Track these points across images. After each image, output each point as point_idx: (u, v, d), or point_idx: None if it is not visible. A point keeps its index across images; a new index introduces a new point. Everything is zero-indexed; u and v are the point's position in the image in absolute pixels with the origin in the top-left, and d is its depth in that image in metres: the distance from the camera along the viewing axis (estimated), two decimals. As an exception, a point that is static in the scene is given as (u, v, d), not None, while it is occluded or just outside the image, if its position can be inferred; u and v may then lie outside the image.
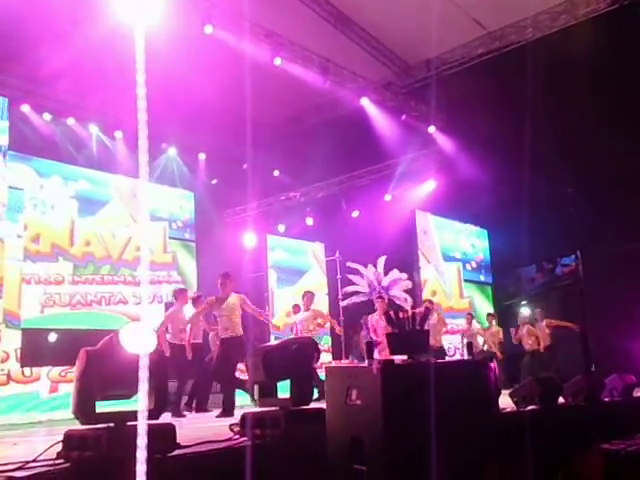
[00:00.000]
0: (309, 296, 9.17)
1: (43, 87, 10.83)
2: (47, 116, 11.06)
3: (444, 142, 12.52)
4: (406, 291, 11.36)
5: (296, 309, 9.75)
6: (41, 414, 8.11)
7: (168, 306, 10.83)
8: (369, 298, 10.91)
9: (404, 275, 11.53)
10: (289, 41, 10.42)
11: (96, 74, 11.41)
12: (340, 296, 12.17)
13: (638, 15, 9.31)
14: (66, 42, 11.42)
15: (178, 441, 2.99)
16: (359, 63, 11.57)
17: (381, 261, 11.65)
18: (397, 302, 10.91)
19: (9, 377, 8.25)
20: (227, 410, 6.58)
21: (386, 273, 11.59)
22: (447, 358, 10.01)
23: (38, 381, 8.55)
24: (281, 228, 14.12)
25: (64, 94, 11.12)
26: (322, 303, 12.00)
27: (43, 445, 3.00)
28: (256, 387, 3.93)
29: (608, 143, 9.69)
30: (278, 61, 10.13)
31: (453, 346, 11.52)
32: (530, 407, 5.22)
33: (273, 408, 3.64)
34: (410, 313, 2.90)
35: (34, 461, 2.78)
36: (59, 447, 2.88)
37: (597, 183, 10.59)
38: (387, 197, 13.07)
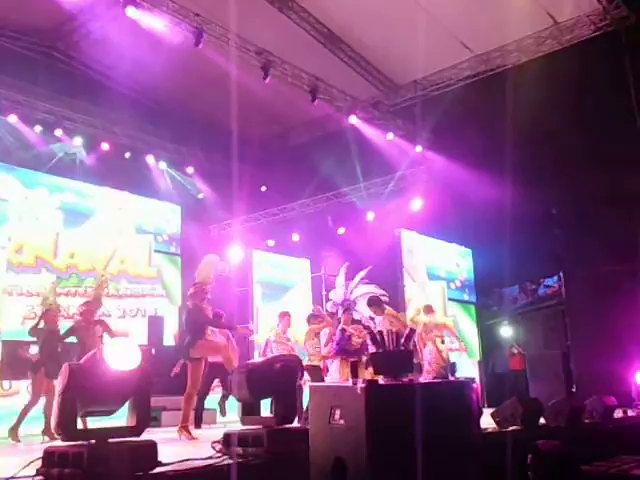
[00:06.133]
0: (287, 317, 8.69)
1: (31, 98, 10.81)
2: (36, 127, 10.99)
3: (431, 161, 12.64)
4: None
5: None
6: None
7: (152, 320, 10.77)
8: (337, 308, 9.67)
9: (379, 291, 9.40)
10: (279, 59, 10.52)
11: (84, 85, 11.43)
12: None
13: (621, 41, 9.53)
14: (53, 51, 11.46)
15: (160, 459, 2.97)
16: (348, 82, 11.70)
17: (342, 269, 9.84)
18: (362, 320, 8.96)
19: (-13, 390, 8.11)
20: None
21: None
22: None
23: (17, 395, 8.39)
24: (271, 243, 14.11)
25: (52, 106, 11.10)
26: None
27: (21, 461, 2.97)
28: (239, 404, 3.91)
29: (593, 164, 9.84)
30: (268, 78, 10.21)
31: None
32: (512, 427, 5.25)
33: (256, 427, 3.62)
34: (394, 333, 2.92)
35: (12, 478, 2.75)
36: (38, 463, 2.85)
37: (581, 204, 10.72)
38: (370, 215, 13.13)
